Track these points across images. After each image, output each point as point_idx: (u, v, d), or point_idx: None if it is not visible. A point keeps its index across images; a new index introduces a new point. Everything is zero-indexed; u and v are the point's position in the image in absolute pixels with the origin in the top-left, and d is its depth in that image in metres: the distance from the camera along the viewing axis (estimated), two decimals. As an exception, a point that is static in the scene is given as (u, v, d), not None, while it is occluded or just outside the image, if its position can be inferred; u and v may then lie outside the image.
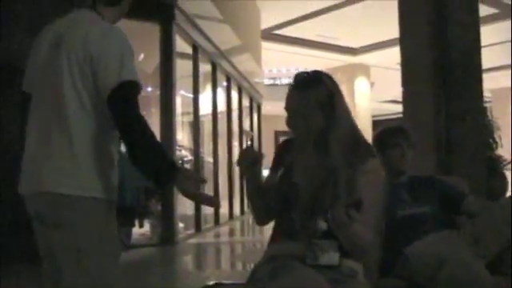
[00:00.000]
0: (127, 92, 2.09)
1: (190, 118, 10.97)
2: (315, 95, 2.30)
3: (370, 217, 2.22)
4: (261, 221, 2.62)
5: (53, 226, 2.13)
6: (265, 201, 2.50)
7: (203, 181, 2.31)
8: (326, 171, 2.27)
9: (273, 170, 2.53)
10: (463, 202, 3.14)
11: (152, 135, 2.10)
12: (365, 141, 2.38)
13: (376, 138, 3.27)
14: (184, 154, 10.85)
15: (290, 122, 2.39)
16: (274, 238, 2.44)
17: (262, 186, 2.50)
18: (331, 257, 2.15)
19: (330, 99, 2.31)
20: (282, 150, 2.55)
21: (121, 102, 2.08)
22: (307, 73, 2.40)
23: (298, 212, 2.28)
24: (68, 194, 2.10)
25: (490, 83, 16.88)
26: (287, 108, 2.39)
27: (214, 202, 2.34)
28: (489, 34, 10.94)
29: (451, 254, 2.74)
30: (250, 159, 2.43)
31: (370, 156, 2.32)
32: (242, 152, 2.48)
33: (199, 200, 2.26)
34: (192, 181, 2.10)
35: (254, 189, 2.51)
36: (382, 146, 3.16)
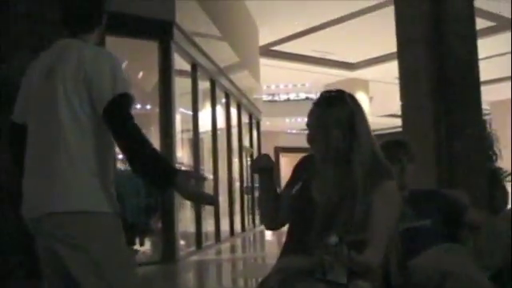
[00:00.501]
0: (122, 104, 2.20)
1: (190, 135, 10.97)
2: (336, 114, 2.36)
3: (382, 238, 2.26)
4: (269, 226, 2.67)
5: (67, 244, 2.20)
6: (275, 207, 2.56)
7: (204, 179, 2.38)
8: (345, 190, 2.31)
9: (290, 183, 2.57)
10: (464, 215, 3.13)
11: (149, 142, 2.20)
12: (384, 162, 2.41)
13: None
14: (184, 171, 10.82)
15: (309, 138, 2.45)
16: (285, 251, 2.44)
17: (275, 193, 2.57)
18: (339, 274, 2.15)
19: (351, 119, 2.35)
20: (300, 165, 2.60)
21: (117, 113, 2.18)
22: (331, 91, 2.47)
23: (313, 227, 2.29)
24: (76, 211, 2.18)
25: (488, 95, 16.93)
26: (308, 124, 2.45)
27: (214, 200, 2.40)
28: (486, 46, 10.99)
29: (454, 267, 2.73)
30: (263, 165, 2.53)
31: (387, 178, 2.35)
32: (257, 158, 2.59)
33: (199, 200, 2.36)
34: (192, 181, 2.20)
35: (266, 191, 2.58)
36: None
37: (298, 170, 2.59)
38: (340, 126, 2.35)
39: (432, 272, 2.76)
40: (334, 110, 2.37)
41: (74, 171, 2.19)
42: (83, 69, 2.20)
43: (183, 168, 10.59)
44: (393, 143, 3.26)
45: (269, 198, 2.58)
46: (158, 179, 2.21)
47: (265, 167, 2.55)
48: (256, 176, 2.73)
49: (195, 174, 2.44)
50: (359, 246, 2.20)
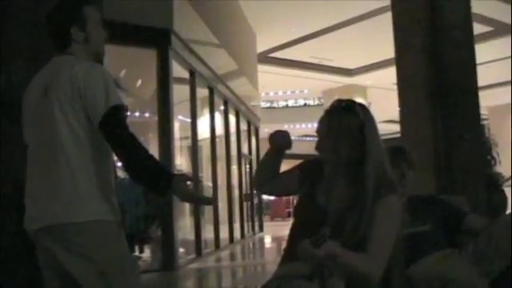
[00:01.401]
0: (116, 115, 2.28)
1: (189, 142, 10.97)
2: (346, 124, 2.36)
3: (383, 249, 2.26)
4: (259, 188, 2.79)
5: (72, 253, 2.27)
6: (272, 176, 2.66)
7: (199, 181, 2.45)
8: (352, 199, 2.32)
9: (296, 170, 2.61)
10: (463, 221, 3.13)
11: (145, 149, 2.27)
12: (390, 174, 2.41)
13: None
14: (183, 178, 10.80)
15: (318, 145, 2.45)
16: (286, 257, 2.45)
17: (278, 165, 2.67)
18: (336, 282, 2.15)
19: (361, 130, 2.35)
20: (308, 166, 2.59)
21: (112, 125, 2.27)
22: (343, 101, 2.47)
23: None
24: (78, 221, 2.25)
25: (486, 101, 16.94)
26: (318, 131, 2.47)
27: (210, 200, 2.52)
28: (484, 51, 11.01)
29: (455, 273, 2.73)
30: (281, 143, 2.63)
31: (392, 192, 2.35)
32: (278, 133, 2.65)
33: (197, 201, 2.49)
34: (188, 183, 2.28)
35: (270, 161, 2.66)
36: None
37: (305, 169, 2.59)
38: (349, 136, 2.35)
39: (432, 278, 2.76)
40: (345, 121, 2.36)
41: (74, 183, 2.27)
42: (76, 85, 2.28)
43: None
44: (392, 149, 3.26)
45: (271, 167, 2.66)
46: (156, 184, 2.28)
47: (282, 145, 2.63)
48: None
49: (190, 176, 2.50)
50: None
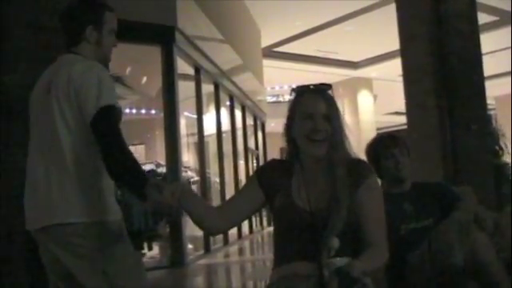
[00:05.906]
0: (106, 116, 2.26)
1: (195, 138, 10.98)
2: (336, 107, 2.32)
3: (383, 232, 2.24)
4: (211, 231, 2.48)
5: (72, 254, 2.27)
6: (210, 210, 2.42)
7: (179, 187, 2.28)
8: (330, 191, 2.22)
9: (253, 179, 2.40)
10: (456, 205, 3.05)
11: (128, 152, 2.25)
12: (359, 158, 2.35)
13: (368, 149, 3.25)
14: (190, 174, 10.84)
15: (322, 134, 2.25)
16: (280, 260, 2.31)
17: (202, 204, 2.43)
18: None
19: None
20: (271, 169, 2.42)
21: (101, 125, 2.26)
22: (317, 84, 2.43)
23: (307, 234, 2.19)
24: (76, 221, 2.25)
25: (493, 90, 16.87)
26: (314, 115, 2.28)
27: (173, 214, 2.43)
28: (490, 41, 10.95)
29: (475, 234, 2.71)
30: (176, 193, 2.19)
31: (370, 172, 2.31)
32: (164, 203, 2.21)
33: (163, 211, 2.29)
34: (161, 192, 2.15)
35: (192, 211, 2.30)
36: (375, 157, 3.16)
37: (265, 173, 2.39)
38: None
39: (453, 240, 2.70)
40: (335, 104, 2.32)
41: (73, 182, 2.27)
42: (72, 84, 2.29)
43: (190, 173, 10.60)
44: (383, 138, 3.27)
45: (200, 212, 2.32)
46: (131, 187, 2.25)
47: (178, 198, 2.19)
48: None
49: (164, 184, 2.30)
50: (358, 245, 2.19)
